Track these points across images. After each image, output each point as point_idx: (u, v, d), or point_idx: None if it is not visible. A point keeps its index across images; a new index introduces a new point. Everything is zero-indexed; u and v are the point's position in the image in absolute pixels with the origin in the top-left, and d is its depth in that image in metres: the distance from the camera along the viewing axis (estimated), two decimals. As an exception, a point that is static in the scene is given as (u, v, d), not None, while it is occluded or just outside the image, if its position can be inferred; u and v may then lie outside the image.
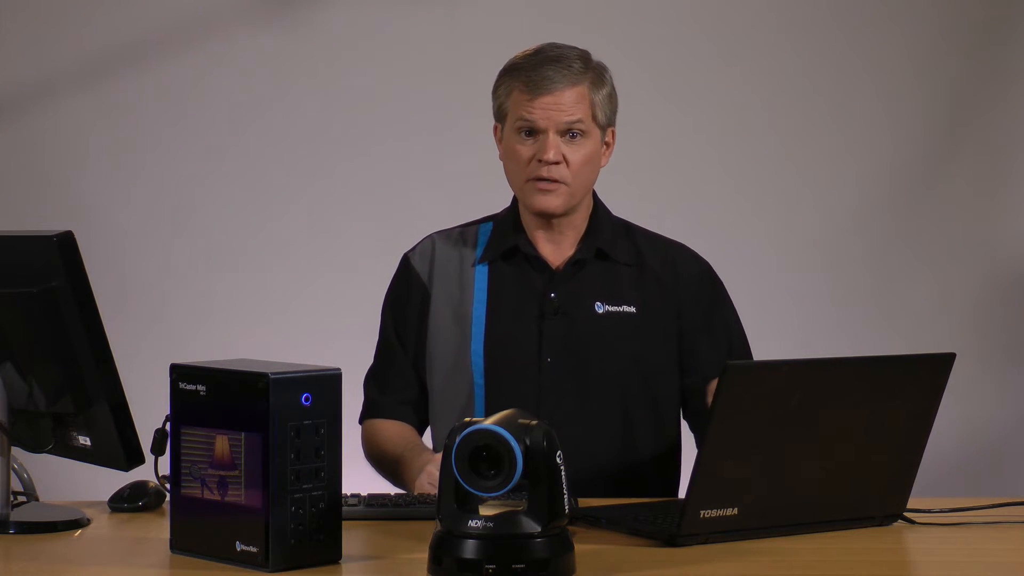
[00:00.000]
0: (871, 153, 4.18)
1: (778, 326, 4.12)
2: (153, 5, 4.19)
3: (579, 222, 2.61)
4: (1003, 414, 4.20)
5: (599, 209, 2.64)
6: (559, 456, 1.81)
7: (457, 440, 1.79)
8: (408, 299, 2.65)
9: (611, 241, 2.61)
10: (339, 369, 1.92)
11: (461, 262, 2.63)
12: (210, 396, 1.91)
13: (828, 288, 4.20)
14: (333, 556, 1.90)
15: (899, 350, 3.88)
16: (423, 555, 1.85)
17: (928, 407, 2.15)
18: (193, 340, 4.10)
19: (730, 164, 4.18)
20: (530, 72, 2.52)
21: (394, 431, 2.61)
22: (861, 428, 2.09)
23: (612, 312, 2.58)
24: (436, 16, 4.17)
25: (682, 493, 2.61)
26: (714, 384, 2.56)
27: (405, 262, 2.68)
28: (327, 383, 1.89)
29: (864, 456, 2.12)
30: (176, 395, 1.95)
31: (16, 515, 2.18)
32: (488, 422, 1.80)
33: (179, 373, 1.95)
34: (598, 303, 2.58)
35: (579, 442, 2.50)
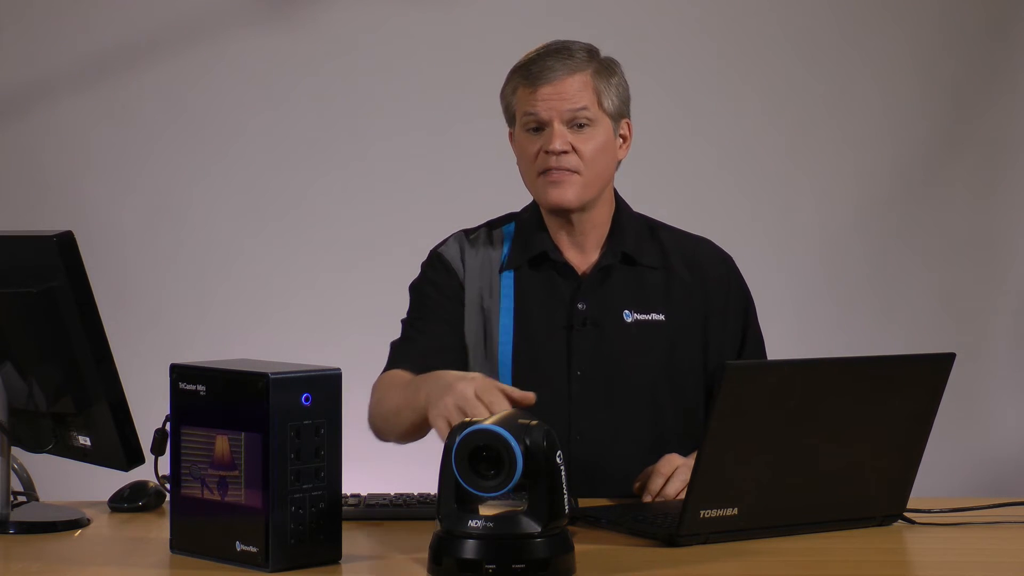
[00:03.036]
0: (871, 152, 4.18)
1: (778, 326, 4.11)
2: (153, 5, 4.19)
3: (601, 221, 2.55)
4: (1003, 414, 4.20)
5: (622, 209, 2.59)
6: (559, 456, 1.81)
7: (457, 440, 1.79)
8: (446, 284, 2.56)
9: (636, 244, 2.56)
10: (339, 369, 1.92)
11: (489, 266, 2.56)
12: (210, 396, 1.91)
13: (828, 288, 4.20)
14: (333, 556, 1.90)
15: (899, 350, 3.88)
16: (423, 555, 1.85)
17: (928, 407, 2.15)
18: (193, 340, 4.11)
19: (730, 163, 4.18)
20: (531, 66, 2.48)
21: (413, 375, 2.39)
22: (861, 428, 2.09)
23: (641, 321, 2.52)
24: (436, 16, 4.17)
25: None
26: None
27: (437, 256, 2.59)
28: (327, 383, 1.89)
29: (864, 456, 2.12)
30: (176, 395, 1.95)
31: (16, 515, 2.18)
32: (488, 422, 1.80)
33: (179, 373, 1.95)
34: (627, 311, 2.52)
35: (610, 453, 2.48)
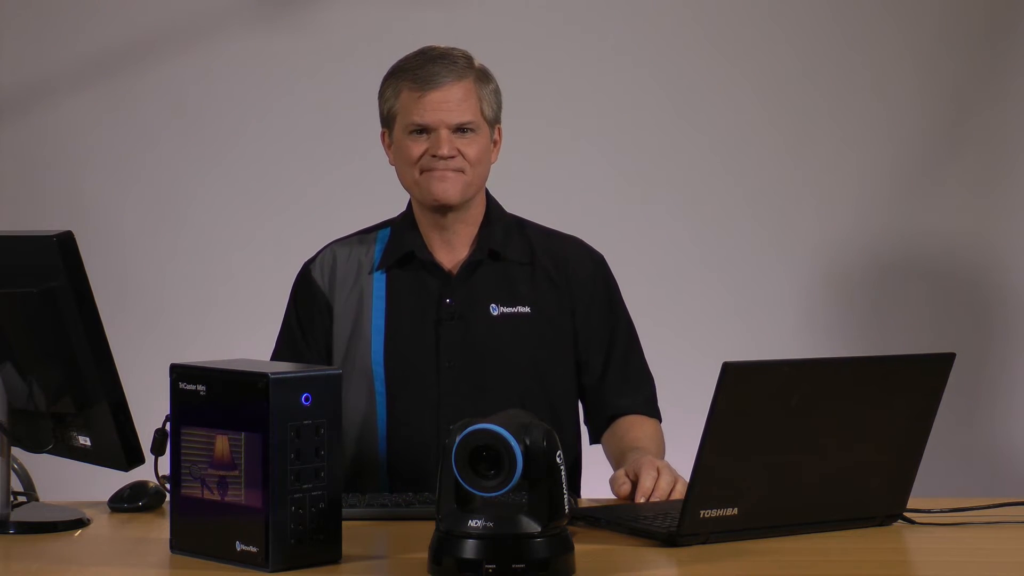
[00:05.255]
0: (871, 153, 4.18)
1: (778, 326, 4.13)
2: (153, 5, 4.19)
3: (472, 220, 2.62)
4: (1003, 414, 4.20)
5: (492, 207, 2.66)
6: (559, 456, 1.81)
7: (457, 440, 1.79)
8: (313, 312, 2.66)
9: (503, 240, 2.63)
10: (339, 369, 1.93)
11: (359, 270, 2.65)
12: (210, 396, 1.91)
13: (828, 288, 4.20)
14: (333, 556, 1.90)
15: (899, 350, 3.88)
16: (423, 555, 1.85)
17: (928, 407, 2.15)
18: (193, 340, 4.10)
19: (730, 164, 4.18)
20: (417, 71, 2.56)
21: None
22: (861, 428, 2.09)
23: (507, 314, 2.59)
24: (436, 17, 4.17)
25: (585, 492, 2.64)
26: (610, 384, 2.62)
27: (306, 273, 2.70)
28: (327, 383, 1.89)
29: (864, 456, 2.12)
30: (176, 395, 1.95)
31: (16, 515, 2.18)
32: (488, 422, 1.80)
33: (179, 373, 1.95)
34: (493, 305, 2.60)
35: None
